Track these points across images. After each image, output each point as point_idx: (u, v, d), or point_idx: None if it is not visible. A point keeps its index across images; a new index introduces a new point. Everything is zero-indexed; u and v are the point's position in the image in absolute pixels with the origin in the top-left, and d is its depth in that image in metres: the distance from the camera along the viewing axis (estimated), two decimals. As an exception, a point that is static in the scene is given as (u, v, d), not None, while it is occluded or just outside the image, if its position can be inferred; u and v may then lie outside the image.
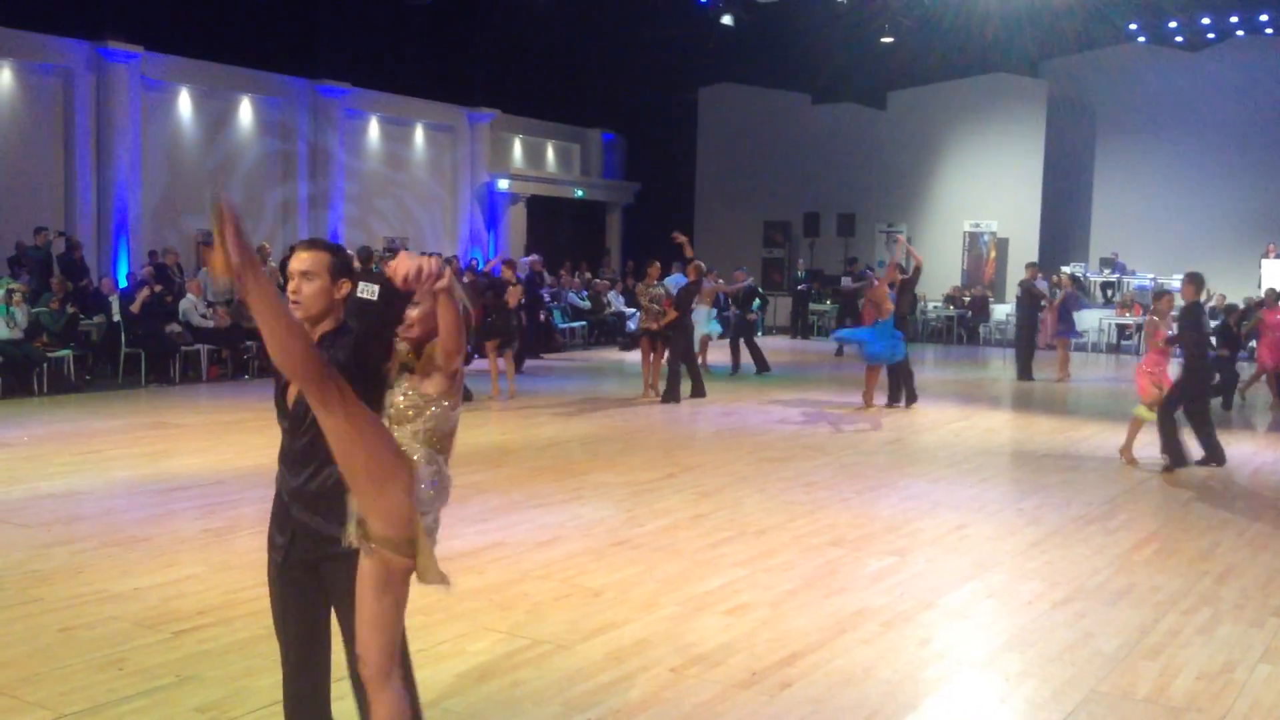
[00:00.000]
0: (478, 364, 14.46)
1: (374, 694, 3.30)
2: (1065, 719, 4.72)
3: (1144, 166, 26.26)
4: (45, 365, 14.01)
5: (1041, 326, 20.18)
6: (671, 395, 14.30)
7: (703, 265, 15.89)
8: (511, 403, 14.01)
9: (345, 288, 3.43)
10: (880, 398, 14.31)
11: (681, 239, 15.39)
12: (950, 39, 23.08)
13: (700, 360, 15.80)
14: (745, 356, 17.73)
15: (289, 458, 3.47)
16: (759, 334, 20.63)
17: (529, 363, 18.88)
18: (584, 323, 22.98)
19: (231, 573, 6.50)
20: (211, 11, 20.03)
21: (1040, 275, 22.71)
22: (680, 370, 14.49)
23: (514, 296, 14.62)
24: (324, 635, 3.61)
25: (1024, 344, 18.37)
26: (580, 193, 29.26)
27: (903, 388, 14.39)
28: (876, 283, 14.56)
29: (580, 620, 5.80)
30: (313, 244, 3.50)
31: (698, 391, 14.73)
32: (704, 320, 16.39)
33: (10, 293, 13.72)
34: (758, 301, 19.39)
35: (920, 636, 5.71)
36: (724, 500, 8.73)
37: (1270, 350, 15.40)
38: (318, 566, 3.48)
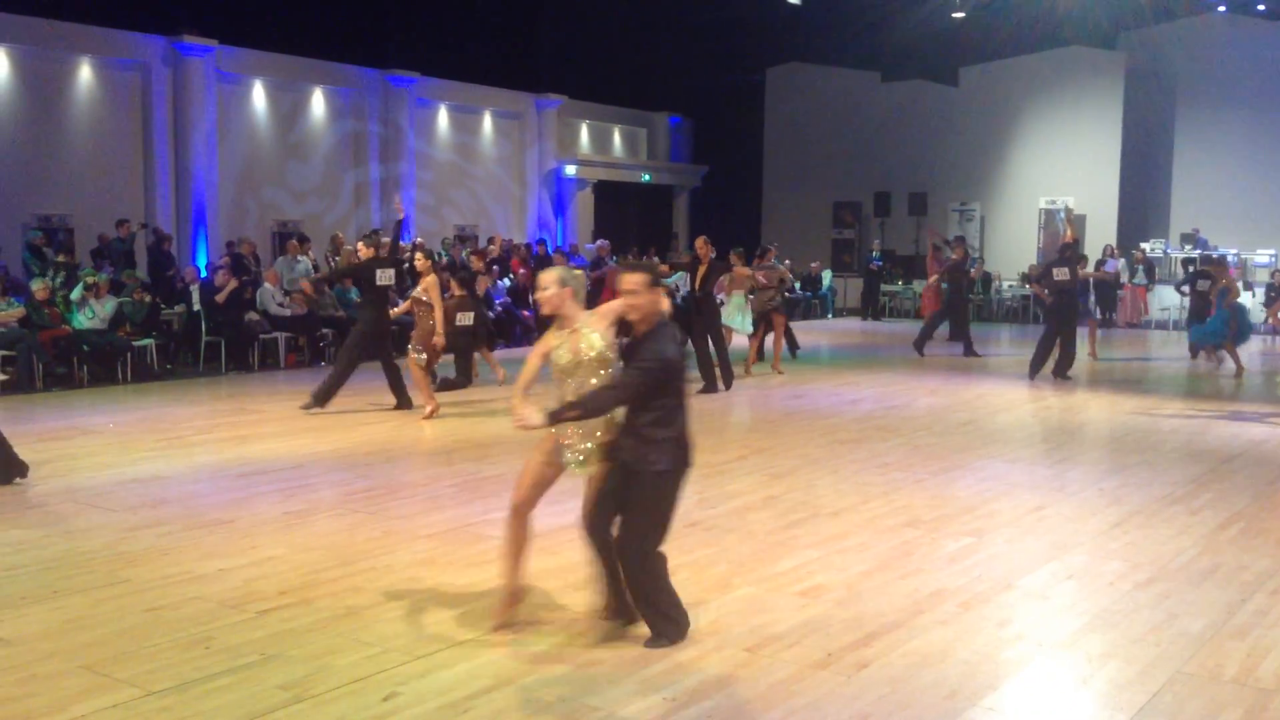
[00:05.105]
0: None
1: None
2: (1150, 700, 4.63)
3: (1225, 140, 25.53)
4: (129, 354, 14.36)
5: (1121, 306, 19.75)
6: (712, 385, 13.32)
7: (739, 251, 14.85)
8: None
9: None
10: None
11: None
12: (1023, 12, 22.61)
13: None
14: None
15: None
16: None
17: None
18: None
19: (312, 554, 6.62)
20: (283, 5, 20.34)
21: (1115, 253, 22.22)
22: (709, 356, 13.45)
23: (481, 285, 14.79)
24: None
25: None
26: (647, 177, 29.21)
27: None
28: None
29: (654, 601, 5.79)
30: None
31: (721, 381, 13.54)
32: (734, 311, 15.05)
33: (90, 285, 14.05)
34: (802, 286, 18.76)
35: (999, 618, 5.64)
36: (796, 482, 8.69)
37: None
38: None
